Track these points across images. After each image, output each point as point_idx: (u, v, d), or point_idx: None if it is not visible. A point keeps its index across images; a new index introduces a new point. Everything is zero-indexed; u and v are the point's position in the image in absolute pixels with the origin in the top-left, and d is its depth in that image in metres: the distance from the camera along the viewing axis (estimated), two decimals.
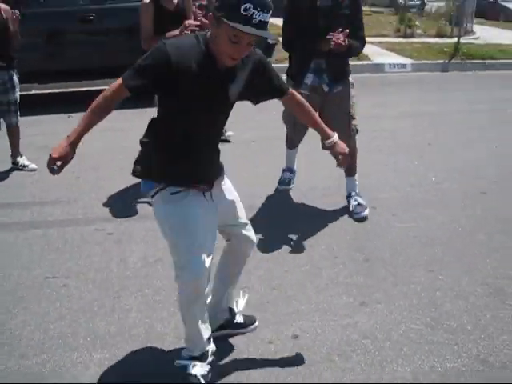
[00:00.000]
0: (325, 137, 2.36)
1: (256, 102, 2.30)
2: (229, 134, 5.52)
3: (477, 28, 15.17)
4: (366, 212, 3.94)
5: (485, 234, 3.70)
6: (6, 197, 4.29)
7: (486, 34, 14.50)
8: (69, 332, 2.63)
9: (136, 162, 2.19)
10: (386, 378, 2.34)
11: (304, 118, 2.40)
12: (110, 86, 2.02)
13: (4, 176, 4.75)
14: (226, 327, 2.57)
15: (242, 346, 2.53)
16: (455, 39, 11.55)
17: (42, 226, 3.77)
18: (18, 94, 4.87)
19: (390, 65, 10.15)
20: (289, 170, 4.43)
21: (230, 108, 2.17)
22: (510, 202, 4.26)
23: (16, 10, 4.62)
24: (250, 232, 2.40)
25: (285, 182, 4.40)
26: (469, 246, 3.53)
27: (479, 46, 11.87)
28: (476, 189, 4.47)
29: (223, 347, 2.47)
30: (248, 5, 1.81)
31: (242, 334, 2.59)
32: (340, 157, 2.35)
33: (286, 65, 3.99)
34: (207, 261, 2.06)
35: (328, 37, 3.44)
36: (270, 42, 6.73)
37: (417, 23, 14.26)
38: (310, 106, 2.35)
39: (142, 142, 2.18)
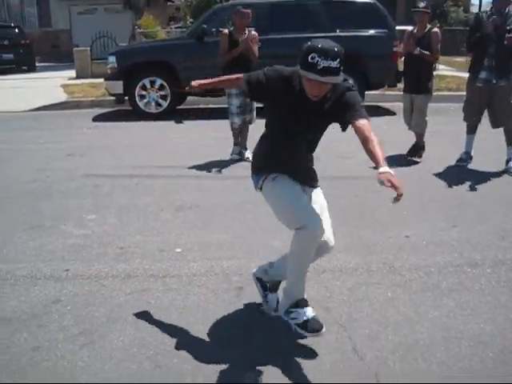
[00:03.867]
0: (376, 165, 2.35)
1: (342, 128, 2.57)
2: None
3: None
4: None
5: None
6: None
7: None
8: None
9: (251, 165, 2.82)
10: None
11: (363, 144, 2.44)
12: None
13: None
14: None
15: None
16: None
17: None
18: None
19: None
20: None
21: (316, 129, 2.58)
22: None
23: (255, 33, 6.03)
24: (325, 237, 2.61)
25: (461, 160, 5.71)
26: None
27: None
28: None
29: None
30: (313, 54, 2.30)
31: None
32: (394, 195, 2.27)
33: None
34: (318, 215, 2.51)
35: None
36: None
37: None
38: (368, 137, 2.40)
39: (253, 151, 2.85)
